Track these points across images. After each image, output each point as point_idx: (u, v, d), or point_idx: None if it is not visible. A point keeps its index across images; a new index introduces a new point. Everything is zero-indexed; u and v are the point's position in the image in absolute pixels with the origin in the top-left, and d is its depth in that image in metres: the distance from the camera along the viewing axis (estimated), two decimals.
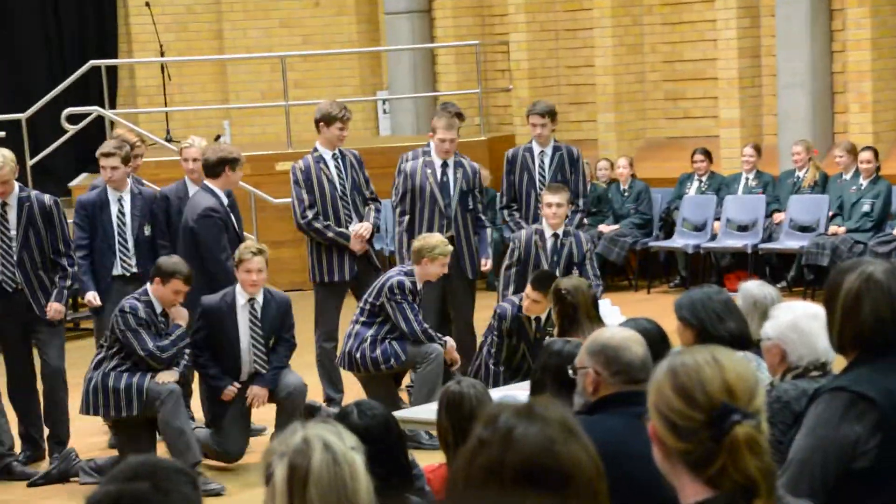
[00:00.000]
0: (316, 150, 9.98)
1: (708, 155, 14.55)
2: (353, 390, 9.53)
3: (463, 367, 9.27)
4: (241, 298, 8.80)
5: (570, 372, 4.28)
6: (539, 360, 5.29)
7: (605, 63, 15.86)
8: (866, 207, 13.31)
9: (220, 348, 8.83)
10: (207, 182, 9.39)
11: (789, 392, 4.76)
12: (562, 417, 2.43)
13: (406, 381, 9.82)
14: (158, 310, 8.58)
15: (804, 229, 13.64)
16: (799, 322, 4.82)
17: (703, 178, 14.53)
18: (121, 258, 9.39)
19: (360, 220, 9.95)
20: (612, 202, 14.77)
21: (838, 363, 4.30)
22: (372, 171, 10.51)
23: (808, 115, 14.45)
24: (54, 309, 8.92)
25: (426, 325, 9.17)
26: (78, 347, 11.21)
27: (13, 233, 8.85)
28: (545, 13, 16.40)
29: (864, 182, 13.40)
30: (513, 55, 16.49)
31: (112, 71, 16.96)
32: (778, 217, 13.93)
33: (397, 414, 6.05)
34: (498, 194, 14.31)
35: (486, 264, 10.42)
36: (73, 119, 14.31)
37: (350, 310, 9.67)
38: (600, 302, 8.72)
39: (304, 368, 9.50)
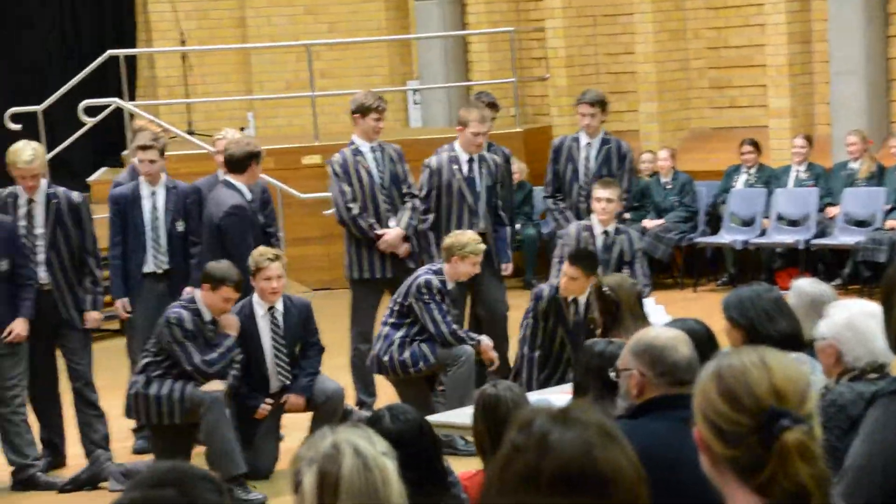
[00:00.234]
0: (353, 142, 9.93)
1: (756, 146, 14.31)
2: (386, 393, 9.48)
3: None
4: (260, 309, 8.64)
5: (613, 374, 4.27)
6: (580, 362, 5.33)
7: (647, 50, 15.66)
8: None
9: (246, 363, 8.65)
10: (231, 178, 9.23)
11: (845, 395, 4.69)
12: (599, 421, 2.41)
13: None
14: (207, 318, 8.40)
15: (860, 224, 13.46)
16: (855, 321, 4.75)
17: (752, 171, 14.31)
18: (153, 255, 9.26)
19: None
20: (652, 195, 14.55)
21: None
22: None
23: (862, 103, 14.22)
24: (93, 318, 8.90)
25: (455, 327, 9.05)
26: (102, 349, 11.03)
27: (40, 231, 8.77)
28: None
29: None
30: (549, 42, 16.32)
31: (131, 61, 16.95)
32: (831, 211, 13.74)
33: (432, 418, 6.19)
34: (534, 188, 14.03)
35: (507, 269, 10.18)
36: (91, 111, 14.21)
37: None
38: (643, 301, 8.52)
39: (334, 371, 9.41)
